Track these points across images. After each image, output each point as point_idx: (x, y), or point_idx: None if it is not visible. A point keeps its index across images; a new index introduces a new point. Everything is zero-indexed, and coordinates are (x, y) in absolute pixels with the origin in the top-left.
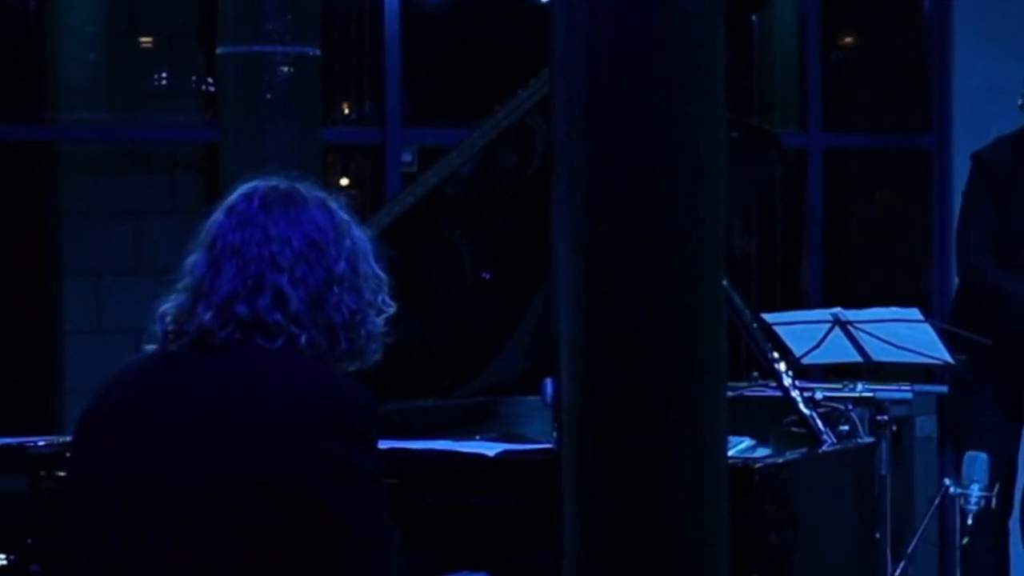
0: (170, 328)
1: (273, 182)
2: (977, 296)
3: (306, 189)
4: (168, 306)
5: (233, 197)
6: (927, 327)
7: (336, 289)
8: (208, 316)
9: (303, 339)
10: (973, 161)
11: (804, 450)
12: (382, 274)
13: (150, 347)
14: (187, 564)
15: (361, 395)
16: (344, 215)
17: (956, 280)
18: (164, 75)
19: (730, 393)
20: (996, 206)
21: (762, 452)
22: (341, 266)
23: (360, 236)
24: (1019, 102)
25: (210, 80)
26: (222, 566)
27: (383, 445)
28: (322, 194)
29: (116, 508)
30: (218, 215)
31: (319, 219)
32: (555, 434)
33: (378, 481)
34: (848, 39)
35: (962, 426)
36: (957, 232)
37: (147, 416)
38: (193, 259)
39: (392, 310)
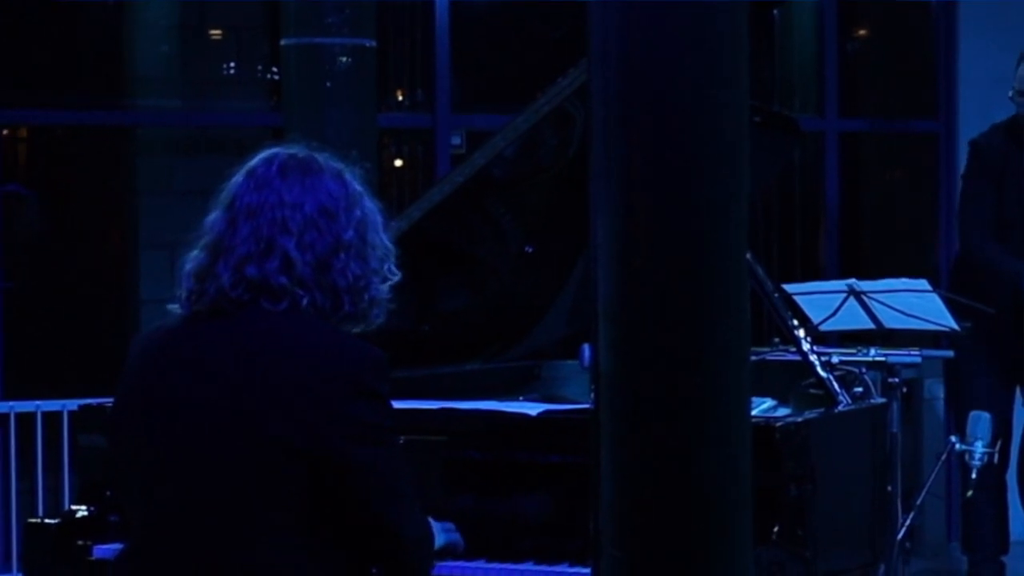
0: (193, 288)
1: (293, 150)
2: (976, 272)
3: (324, 159)
4: (190, 266)
5: (254, 161)
6: (935, 296)
7: (343, 255)
8: (226, 276)
9: (305, 301)
10: (970, 147)
11: (821, 410)
12: (390, 245)
13: (173, 306)
14: (226, 526)
15: (375, 357)
16: (358, 186)
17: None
18: (232, 65)
19: (753, 357)
20: (992, 188)
21: (783, 412)
22: (349, 234)
23: (371, 208)
24: (1010, 94)
25: (275, 69)
26: (257, 526)
27: (435, 405)
28: (339, 165)
29: (156, 478)
30: (238, 177)
31: (333, 188)
32: (592, 396)
33: (395, 436)
34: (862, 32)
35: (962, 388)
36: (957, 214)
37: (177, 391)
38: (213, 217)
39: (397, 278)
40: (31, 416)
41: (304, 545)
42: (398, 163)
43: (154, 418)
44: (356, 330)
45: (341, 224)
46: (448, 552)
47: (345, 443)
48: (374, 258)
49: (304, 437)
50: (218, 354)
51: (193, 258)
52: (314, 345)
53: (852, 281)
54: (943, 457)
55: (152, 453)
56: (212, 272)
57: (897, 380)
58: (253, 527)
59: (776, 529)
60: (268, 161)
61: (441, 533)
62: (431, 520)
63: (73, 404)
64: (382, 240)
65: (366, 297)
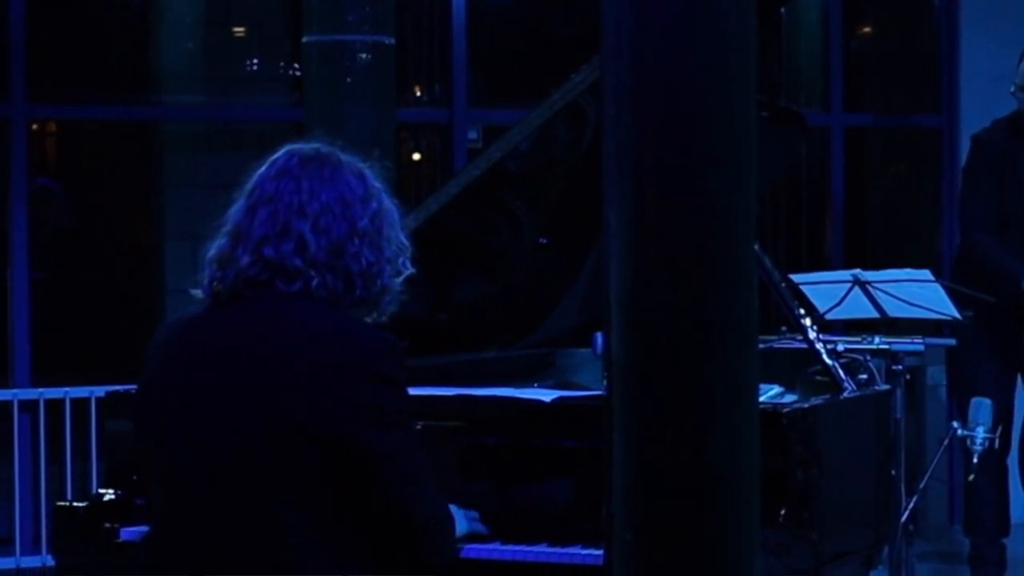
0: (216, 274)
1: (315, 145)
2: (975, 267)
3: (346, 156)
4: (212, 253)
5: (278, 153)
6: (937, 287)
7: (357, 241)
8: (245, 260)
9: (315, 282)
10: (972, 142)
11: (827, 396)
12: (405, 241)
13: (195, 291)
14: (245, 509)
15: (389, 342)
16: (377, 183)
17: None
18: (255, 61)
19: (761, 345)
20: (993, 183)
21: (790, 398)
22: (364, 222)
23: (389, 204)
24: (1011, 89)
25: (296, 66)
26: (276, 509)
27: (451, 392)
28: (360, 164)
29: (178, 463)
30: (261, 168)
31: (351, 181)
32: (605, 382)
33: (411, 421)
34: (866, 29)
35: (965, 375)
36: (958, 208)
37: (197, 377)
38: (235, 206)
39: (411, 272)
40: (60, 402)
41: (323, 528)
42: (416, 157)
43: (175, 404)
44: (369, 319)
45: (357, 213)
46: (471, 540)
47: (360, 427)
48: (388, 249)
49: (320, 421)
50: (236, 340)
51: (215, 245)
52: (330, 331)
53: (857, 271)
54: (945, 442)
55: (174, 438)
56: (232, 257)
57: (900, 367)
58: (272, 510)
59: (783, 512)
60: (290, 154)
61: (465, 520)
62: (456, 508)
63: (101, 390)
64: (397, 235)
65: (379, 283)
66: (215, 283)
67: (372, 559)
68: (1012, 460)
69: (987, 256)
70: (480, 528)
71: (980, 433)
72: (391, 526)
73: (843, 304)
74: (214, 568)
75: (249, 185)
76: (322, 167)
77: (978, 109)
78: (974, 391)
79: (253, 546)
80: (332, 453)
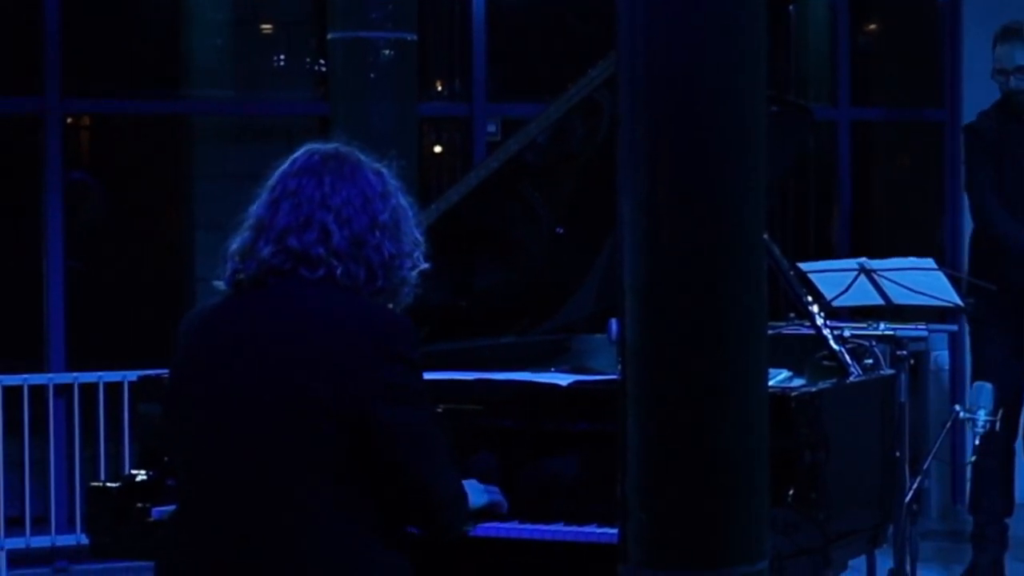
0: (238, 266)
1: (335, 144)
2: (993, 243)
3: (364, 156)
4: (235, 246)
5: (299, 152)
6: (940, 275)
7: (378, 234)
8: (267, 251)
9: (339, 271)
10: (966, 132)
11: (834, 380)
12: (420, 237)
13: (218, 283)
14: (270, 485)
15: (405, 324)
16: (394, 182)
17: (966, 235)
18: (282, 57)
19: (770, 331)
20: (993, 166)
21: (798, 382)
22: (384, 217)
23: (405, 202)
24: (991, 74)
25: (322, 62)
26: (299, 485)
27: (471, 376)
28: (377, 163)
29: (206, 440)
30: (283, 166)
31: (370, 178)
32: (619, 367)
33: (425, 398)
34: (872, 26)
35: (974, 359)
36: (967, 192)
37: (221, 362)
38: (257, 202)
39: (425, 266)
40: (94, 386)
41: (345, 505)
42: (437, 150)
43: (202, 387)
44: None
45: (377, 208)
46: (491, 513)
47: (378, 405)
48: (406, 243)
49: (340, 399)
50: (260, 324)
51: (237, 239)
52: (350, 313)
53: (863, 260)
54: (948, 425)
55: (200, 420)
56: (254, 249)
57: (905, 352)
58: (296, 488)
59: (791, 492)
60: (311, 152)
61: (483, 494)
62: (475, 482)
63: (133, 375)
64: (413, 231)
65: (398, 275)
66: (237, 274)
67: (392, 535)
68: (1020, 443)
69: (1005, 231)
70: (499, 500)
71: (981, 416)
72: (407, 501)
73: (849, 291)
74: (239, 546)
75: (271, 181)
76: (342, 164)
77: (979, 103)
78: (983, 375)
79: (277, 523)
80: (353, 431)
